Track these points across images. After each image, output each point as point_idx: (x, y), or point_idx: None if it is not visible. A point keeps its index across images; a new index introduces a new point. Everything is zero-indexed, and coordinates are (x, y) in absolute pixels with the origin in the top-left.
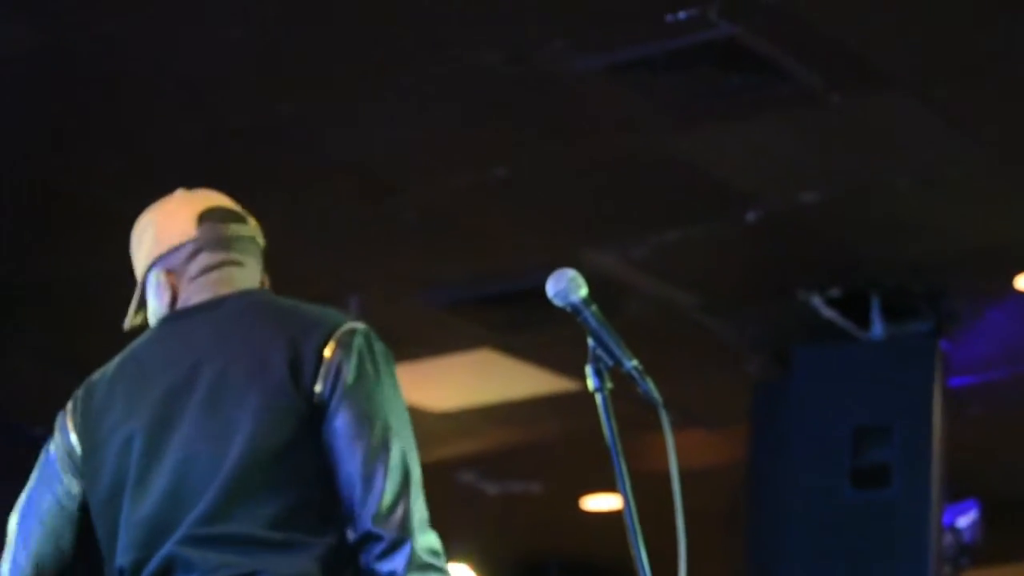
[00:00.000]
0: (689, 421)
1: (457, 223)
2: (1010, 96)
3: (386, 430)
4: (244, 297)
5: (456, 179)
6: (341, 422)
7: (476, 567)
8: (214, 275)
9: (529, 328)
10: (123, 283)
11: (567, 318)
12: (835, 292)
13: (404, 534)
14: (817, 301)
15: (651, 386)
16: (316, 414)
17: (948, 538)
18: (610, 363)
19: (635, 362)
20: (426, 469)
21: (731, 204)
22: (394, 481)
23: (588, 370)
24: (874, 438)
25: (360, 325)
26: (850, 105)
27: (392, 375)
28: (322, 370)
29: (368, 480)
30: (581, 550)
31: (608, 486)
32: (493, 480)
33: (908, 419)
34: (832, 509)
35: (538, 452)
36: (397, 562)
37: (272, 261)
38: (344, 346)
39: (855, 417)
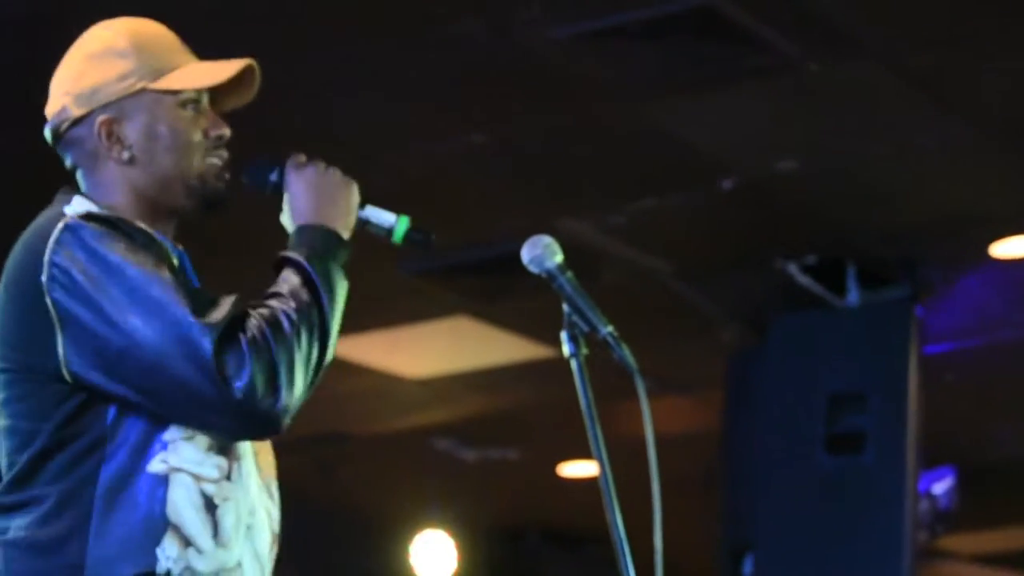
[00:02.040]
0: (665, 388)
1: (432, 190)
2: (986, 65)
3: None
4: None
5: (431, 146)
6: None
7: (454, 534)
8: None
9: (505, 295)
10: None
11: (542, 285)
12: (811, 259)
13: None
14: (793, 268)
15: (626, 352)
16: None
17: (924, 504)
18: (585, 329)
19: (610, 328)
20: (402, 436)
21: (707, 172)
22: None
23: (563, 336)
24: (849, 405)
25: (57, 234)
26: (826, 74)
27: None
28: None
29: None
30: (559, 517)
31: (585, 453)
32: (470, 447)
33: (883, 386)
34: (807, 476)
35: (515, 419)
36: None
37: (246, 228)
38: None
39: (830, 384)
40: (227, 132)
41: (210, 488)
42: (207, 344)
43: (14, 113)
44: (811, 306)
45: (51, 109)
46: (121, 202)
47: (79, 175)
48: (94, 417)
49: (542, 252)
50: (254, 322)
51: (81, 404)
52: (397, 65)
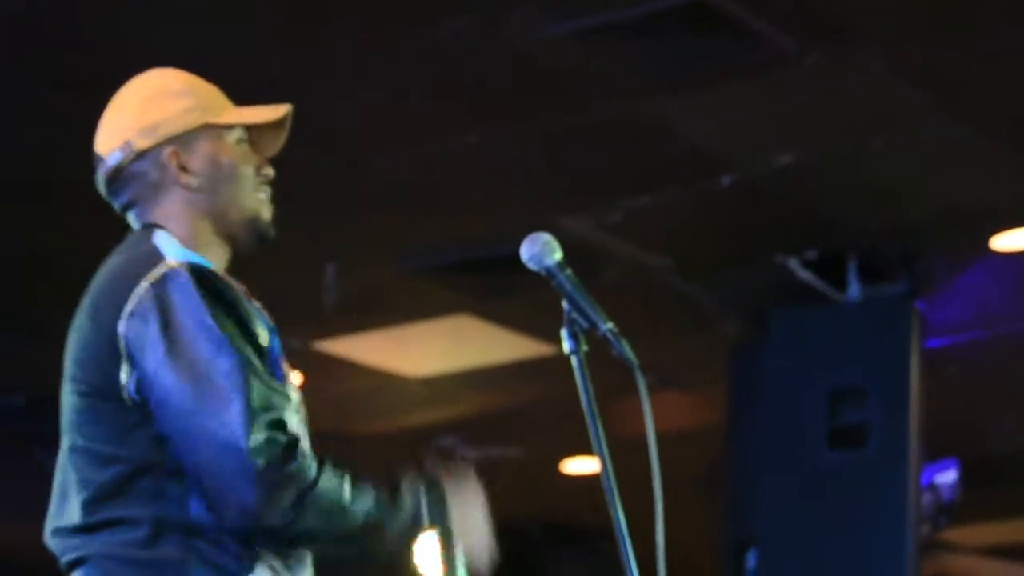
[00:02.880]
0: (666, 384)
1: (430, 190)
2: (985, 57)
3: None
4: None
5: (428, 146)
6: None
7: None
8: None
9: (505, 293)
10: (104, 250)
11: (542, 282)
12: (811, 254)
13: None
14: (793, 263)
15: (627, 348)
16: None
17: (927, 497)
18: (585, 326)
19: (610, 325)
20: (405, 435)
21: (706, 168)
22: None
23: (563, 333)
24: (851, 399)
25: (161, 271)
26: (824, 68)
27: (185, 323)
28: (118, 349)
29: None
30: (562, 514)
31: (588, 449)
32: (472, 445)
33: (884, 380)
34: (810, 470)
35: (517, 417)
36: None
37: None
38: (131, 316)
39: (831, 379)
40: (272, 172)
41: None
42: (259, 461)
43: None
44: (812, 301)
45: (110, 146)
46: (187, 231)
47: (137, 210)
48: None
49: (541, 250)
50: (314, 467)
51: (155, 432)
52: (391, 64)
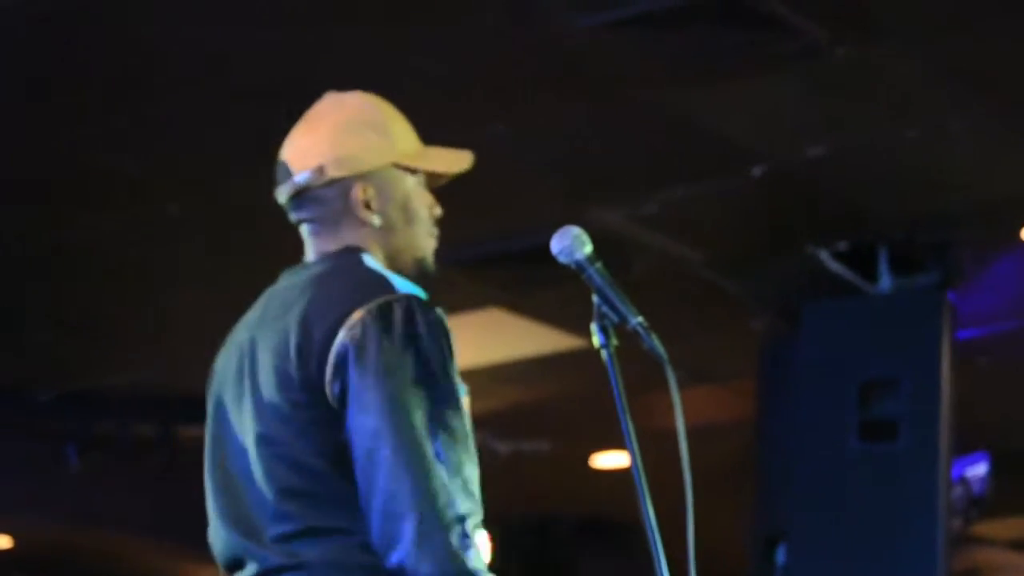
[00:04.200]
0: (697, 378)
1: (462, 182)
2: (1015, 46)
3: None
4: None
5: (459, 137)
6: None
7: (487, 526)
8: None
9: (536, 286)
10: (130, 245)
11: (573, 276)
12: (842, 246)
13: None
14: (824, 255)
15: (656, 342)
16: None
17: (958, 490)
18: (615, 320)
19: (640, 318)
20: None
21: (737, 160)
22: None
23: (593, 327)
24: (882, 392)
25: (389, 298)
26: (855, 58)
27: (404, 356)
28: (329, 361)
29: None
30: (591, 508)
31: (617, 444)
32: (503, 439)
33: (916, 372)
34: (840, 463)
35: (547, 411)
36: None
37: (273, 224)
38: (351, 329)
39: (863, 371)
40: (440, 212)
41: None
42: (453, 539)
43: None
44: (843, 293)
45: (302, 164)
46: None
47: (314, 228)
48: None
49: (571, 243)
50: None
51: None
52: (422, 56)
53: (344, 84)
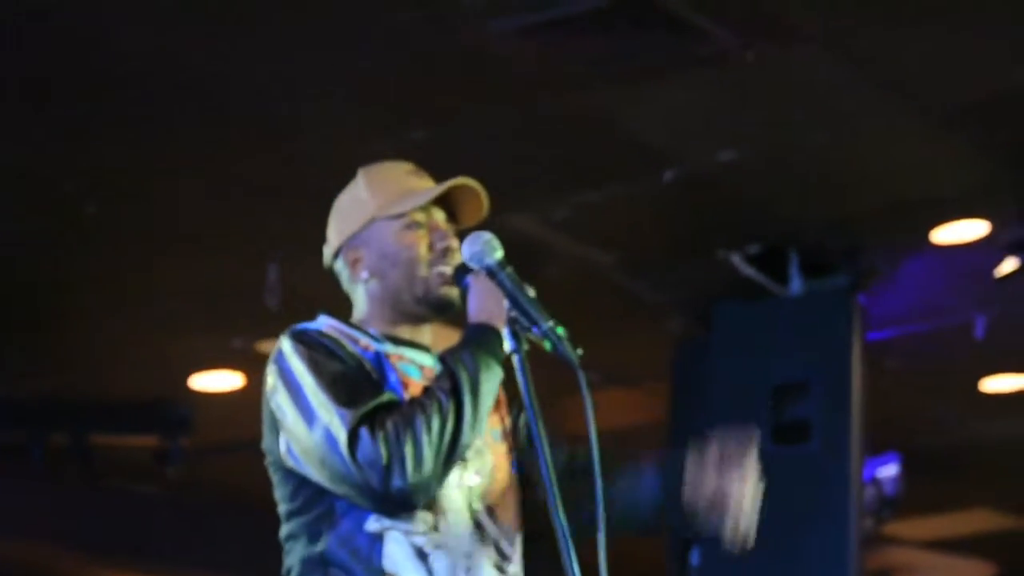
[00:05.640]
0: (611, 381)
1: None
2: (925, 49)
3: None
4: None
5: (371, 144)
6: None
7: None
8: None
9: None
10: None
11: None
12: (754, 249)
13: None
14: (736, 258)
15: (568, 347)
16: None
17: (870, 491)
18: (526, 325)
19: (551, 323)
20: None
21: (649, 164)
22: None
23: (505, 332)
24: (794, 394)
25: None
26: (765, 62)
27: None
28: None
29: None
30: None
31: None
32: None
33: (827, 374)
34: None
35: None
36: None
37: (193, 229)
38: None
39: (775, 373)
40: (453, 244)
41: (419, 540)
42: (343, 435)
43: None
44: (755, 296)
45: (326, 247)
46: (367, 314)
47: (351, 297)
48: (322, 495)
49: (481, 248)
50: (390, 416)
51: (312, 488)
52: (337, 59)
53: (260, 90)
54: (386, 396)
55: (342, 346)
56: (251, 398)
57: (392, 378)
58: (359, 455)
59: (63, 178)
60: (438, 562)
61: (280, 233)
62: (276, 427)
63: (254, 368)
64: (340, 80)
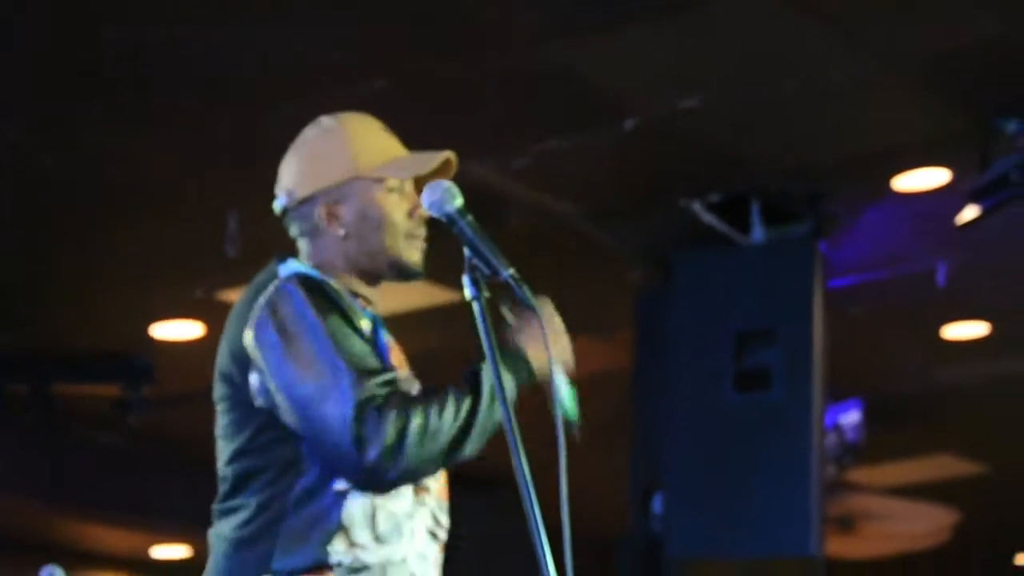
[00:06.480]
0: (573, 329)
1: None
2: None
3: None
4: None
5: (332, 93)
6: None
7: None
8: None
9: None
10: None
11: (446, 229)
12: (715, 197)
13: None
14: (697, 206)
15: (527, 293)
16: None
17: (831, 438)
18: (487, 272)
19: (512, 270)
20: None
21: (610, 111)
22: None
23: (465, 280)
24: (756, 341)
25: (268, 290)
26: (729, 9)
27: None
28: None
29: None
30: (468, 462)
31: None
32: None
33: (789, 321)
34: (716, 413)
35: (422, 365)
36: None
37: (153, 180)
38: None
39: (737, 321)
40: (424, 213)
41: (378, 500)
42: (350, 405)
43: None
44: (716, 244)
45: (281, 188)
46: (337, 267)
47: (303, 241)
48: (289, 441)
49: (441, 196)
50: (408, 403)
51: (279, 431)
52: (293, 11)
53: (218, 42)
54: (391, 373)
55: (342, 298)
56: (212, 347)
57: (382, 341)
58: (366, 430)
59: (21, 134)
60: (382, 522)
61: (238, 184)
62: (246, 361)
63: (215, 317)
64: (297, 32)
